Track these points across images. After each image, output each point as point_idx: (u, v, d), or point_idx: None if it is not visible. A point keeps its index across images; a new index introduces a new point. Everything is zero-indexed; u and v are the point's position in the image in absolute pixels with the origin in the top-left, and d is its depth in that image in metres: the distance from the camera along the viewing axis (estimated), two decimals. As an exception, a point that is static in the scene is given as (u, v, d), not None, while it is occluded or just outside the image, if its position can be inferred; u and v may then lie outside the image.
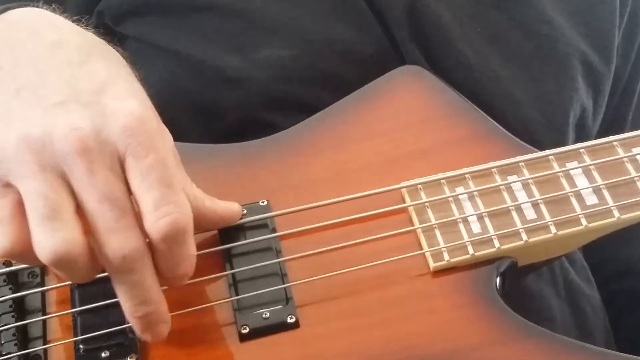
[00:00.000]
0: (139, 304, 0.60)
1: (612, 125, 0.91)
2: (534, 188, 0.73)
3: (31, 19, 0.66)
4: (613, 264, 0.96)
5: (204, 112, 0.81)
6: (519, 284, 0.80)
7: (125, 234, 0.57)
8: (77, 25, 0.66)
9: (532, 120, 0.83)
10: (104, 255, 0.58)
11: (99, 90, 0.60)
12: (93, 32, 0.66)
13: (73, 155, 0.57)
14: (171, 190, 0.59)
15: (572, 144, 0.76)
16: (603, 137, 0.76)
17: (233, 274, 0.69)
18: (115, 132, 0.58)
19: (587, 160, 0.74)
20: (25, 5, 0.67)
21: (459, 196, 0.72)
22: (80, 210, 0.58)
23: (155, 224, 0.58)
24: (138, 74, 0.65)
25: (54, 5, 0.69)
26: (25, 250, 0.58)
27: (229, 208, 0.70)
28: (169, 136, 0.63)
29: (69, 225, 0.57)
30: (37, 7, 0.67)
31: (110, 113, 0.59)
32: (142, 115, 0.59)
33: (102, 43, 0.66)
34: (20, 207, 0.58)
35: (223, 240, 0.71)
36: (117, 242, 0.57)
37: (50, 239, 0.56)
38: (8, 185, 0.59)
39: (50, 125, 0.58)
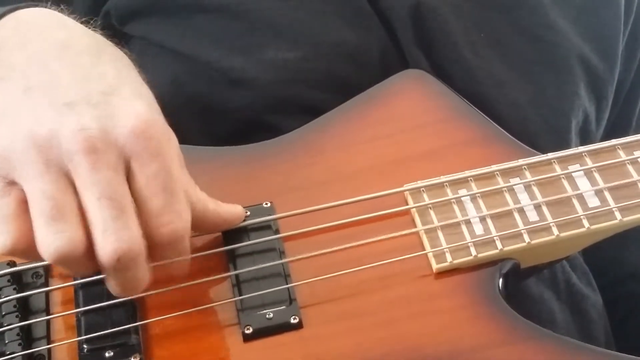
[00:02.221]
0: (128, 291, 0.62)
1: (616, 130, 0.92)
2: (536, 190, 0.73)
3: (42, 19, 0.66)
4: (618, 267, 0.96)
5: (208, 113, 0.81)
6: (520, 287, 0.80)
7: (121, 234, 0.58)
8: (86, 26, 0.67)
9: (534, 126, 0.83)
10: (98, 253, 0.58)
11: (108, 92, 0.60)
12: (101, 34, 0.67)
13: (79, 154, 0.57)
14: (174, 199, 0.59)
15: (575, 148, 0.76)
16: (606, 141, 0.77)
17: (237, 275, 0.69)
18: (123, 135, 0.59)
19: (589, 163, 0.74)
20: (35, 5, 0.68)
21: (462, 198, 0.73)
22: (82, 208, 0.58)
23: (156, 230, 0.59)
24: (145, 76, 0.66)
25: (62, 6, 0.69)
26: (27, 248, 0.59)
27: (232, 210, 0.70)
28: (174, 138, 0.63)
29: (73, 225, 0.57)
30: (45, 7, 0.68)
31: (118, 115, 0.59)
32: (150, 119, 0.60)
33: (111, 45, 0.66)
34: (23, 205, 0.59)
35: (227, 242, 0.71)
36: (112, 242, 0.57)
37: (55, 240, 0.57)
38: (12, 183, 0.59)
39: (58, 125, 0.58)
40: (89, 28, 0.67)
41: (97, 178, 0.57)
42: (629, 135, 0.78)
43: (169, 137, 0.62)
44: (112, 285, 0.61)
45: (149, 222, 0.59)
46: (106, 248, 0.58)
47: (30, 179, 0.58)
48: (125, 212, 0.58)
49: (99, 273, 0.61)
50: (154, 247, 0.60)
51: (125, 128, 0.59)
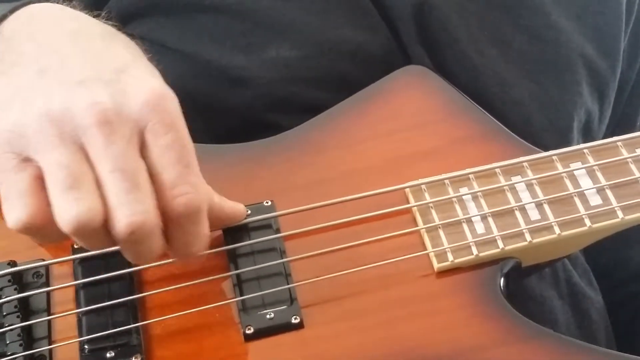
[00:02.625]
0: (142, 261, 0.62)
1: (619, 128, 0.91)
2: (537, 188, 0.73)
3: (53, 12, 0.67)
4: (622, 269, 0.96)
5: (209, 112, 0.81)
6: (521, 286, 0.80)
7: (134, 207, 0.57)
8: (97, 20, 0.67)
9: (536, 124, 0.83)
10: (112, 227, 0.58)
11: (121, 70, 0.61)
12: (112, 25, 0.67)
13: (93, 127, 0.57)
14: (188, 170, 0.59)
15: (577, 146, 0.76)
16: (609, 139, 0.76)
17: (238, 275, 0.69)
18: (136, 108, 0.59)
19: (591, 161, 0.74)
20: (46, 0, 0.68)
21: (463, 196, 0.73)
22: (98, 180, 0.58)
23: (172, 202, 0.59)
24: (157, 65, 0.66)
25: (73, 2, 0.69)
26: (43, 223, 0.58)
27: (235, 207, 0.70)
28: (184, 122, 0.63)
29: (91, 194, 0.57)
30: (57, 2, 0.68)
31: (131, 89, 0.59)
32: (164, 93, 0.60)
33: (122, 34, 0.66)
34: (38, 181, 0.59)
35: (227, 241, 0.71)
36: (126, 215, 0.57)
37: (73, 208, 0.57)
38: (27, 159, 0.59)
39: (71, 100, 0.58)
40: (99, 20, 0.67)
41: (110, 151, 0.57)
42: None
43: (181, 114, 0.61)
44: (126, 255, 0.61)
45: (164, 194, 0.59)
46: (120, 222, 0.57)
47: (45, 152, 0.58)
48: (139, 185, 0.58)
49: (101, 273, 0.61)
50: (170, 220, 0.59)
51: (138, 101, 0.59)
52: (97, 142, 0.57)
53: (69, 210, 0.57)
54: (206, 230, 0.62)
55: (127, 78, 0.60)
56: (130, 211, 0.57)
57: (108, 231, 0.58)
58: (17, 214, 0.58)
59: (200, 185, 0.60)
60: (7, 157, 0.59)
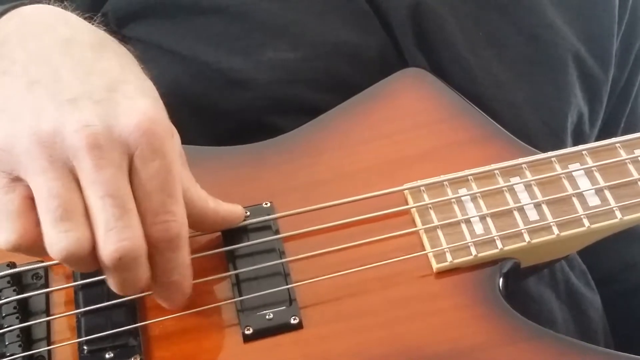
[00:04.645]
0: (128, 290, 0.62)
1: (606, 130, 0.92)
2: (536, 189, 0.73)
3: (45, 15, 0.66)
4: (620, 266, 0.96)
5: (207, 114, 0.81)
6: (520, 287, 0.80)
7: (123, 234, 0.58)
8: (90, 23, 0.67)
9: (532, 125, 0.83)
10: (101, 253, 0.58)
11: (112, 88, 0.60)
12: (105, 31, 0.67)
13: (83, 151, 0.57)
14: (171, 200, 0.60)
15: (571, 148, 0.76)
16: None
17: (236, 275, 0.69)
18: (126, 131, 0.59)
19: (589, 162, 0.74)
20: (39, 2, 0.68)
21: (462, 197, 0.73)
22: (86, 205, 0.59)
23: (152, 228, 0.59)
24: (148, 73, 0.66)
25: (65, 2, 0.69)
26: (31, 245, 0.59)
27: (232, 210, 0.70)
28: (177, 135, 0.64)
29: (80, 225, 0.58)
30: (49, 4, 0.68)
31: (122, 112, 0.59)
32: (154, 116, 0.60)
33: (115, 41, 0.66)
34: (29, 202, 0.59)
35: (226, 242, 0.71)
36: (114, 241, 0.58)
37: (63, 240, 0.57)
38: (17, 179, 0.59)
39: (62, 121, 0.58)
40: (93, 24, 0.67)
41: (101, 176, 0.57)
42: (618, 135, 0.78)
43: (172, 134, 0.62)
44: (112, 284, 0.62)
45: (146, 219, 0.59)
46: (108, 247, 0.58)
47: (35, 175, 0.58)
48: (128, 211, 0.58)
49: (101, 272, 0.62)
50: (151, 246, 0.60)
51: (129, 125, 0.59)
52: (87, 167, 0.58)
53: (59, 242, 0.58)
54: (187, 260, 0.63)
55: (118, 97, 0.60)
56: (118, 237, 0.58)
57: (96, 257, 0.59)
58: (6, 235, 0.59)
59: (181, 214, 0.61)
60: None
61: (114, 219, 0.58)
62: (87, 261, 0.59)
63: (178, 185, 0.61)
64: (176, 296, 0.64)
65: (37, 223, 0.59)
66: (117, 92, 0.60)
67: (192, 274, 0.64)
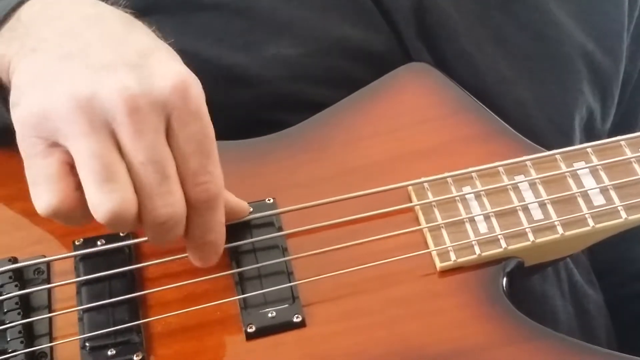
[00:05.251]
0: (162, 244, 0.63)
1: (622, 125, 0.91)
2: (540, 188, 0.72)
3: None
4: (625, 267, 0.96)
5: (209, 110, 0.80)
6: (523, 286, 0.80)
7: (166, 199, 0.59)
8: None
9: (537, 122, 0.83)
10: (144, 216, 0.59)
11: (145, 54, 0.61)
12: (130, 14, 0.67)
13: (122, 114, 0.58)
14: (210, 160, 0.61)
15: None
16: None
17: (239, 273, 0.69)
18: (164, 94, 0.59)
19: (594, 161, 0.74)
20: None
21: (466, 195, 0.72)
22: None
23: (193, 190, 0.60)
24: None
25: None
26: (72, 208, 0.59)
27: (239, 202, 0.70)
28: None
29: (124, 185, 0.58)
30: None
31: (158, 74, 0.59)
32: (189, 79, 0.60)
33: (140, 22, 0.66)
34: (67, 167, 0.59)
35: (229, 239, 0.70)
36: (158, 207, 0.59)
37: (109, 201, 0.57)
38: (55, 144, 0.59)
39: (99, 85, 0.58)
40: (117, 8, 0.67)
41: (141, 142, 0.58)
42: (634, 130, 0.77)
43: (204, 99, 0.62)
44: (150, 238, 0.62)
45: (186, 181, 0.60)
46: (153, 212, 0.59)
47: (76, 139, 0.58)
48: (169, 176, 0.59)
49: (106, 264, 0.64)
50: (190, 207, 0.61)
51: (166, 86, 0.59)
52: (128, 131, 0.58)
53: (105, 203, 0.57)
54: (222, 219, 0.63)
55: (152, 61, 0.60)
56: (162, 202, 0.59)
57: (139, 218, 0.59)
58: (46, 199, 0.59)
59: (219, 174, 0.62)
60: (33, 142, 0.59)
61: (156, 185, 0.58)
62: (131, 223, 0.59)
63: (214, 146, 0.61)
64: (210, 255, 0.65)
65: (77, 187, 0.59)
66: (150, 57, 0.61)
67: (225, 233, 0.65)
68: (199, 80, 0.62)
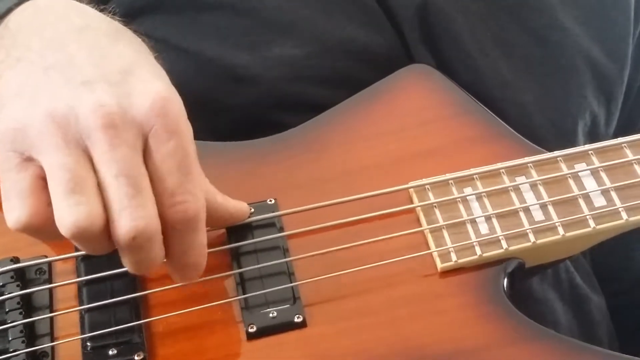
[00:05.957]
0: (142, 269, 0.61)
1: (625, 130, 0.91)
2: (542, 189, 0.73)
3: (60, 5, 0.66)
4: (627, 270, 0.96)
5: (212, 109, 0.80)
6: (524, 287, 0.80)
7: (137, 213, 0.57)
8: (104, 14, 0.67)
9: (540, 127, 0.83)
10: (114, 232, 0.58)
11: (126, 71, 0.60)
12: (119, 21, 0.67)
13: (97, 130, 0.57)
14: (188, 178, 0.59)
15: (582, 148, 0.76)
16: (614, 141, 0.76)
17: (240, 273, 0.69)
18: (141, 112, 0.58)
19: (596, 162, 0.74)
20: None
21: (467, 197, 0.72)
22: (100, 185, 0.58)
23: (170, 209, 0.59)
24: (162, 63, 0.65)
25: None
26: (42, 224, 0.58)
27: (238, 206, 0.70)
28: (188, 122, 0.63)
29: (92, 199, 0.57)
30: None
31: (136, 93, 0.59)
32: (168, 96, 0.60)
33: (129, 31, 0.66)
34: (40, 181, 0.58)
35: (231, 239, 0.71)
36: (128, 220, 0.57)
37: (74, 213, 0.56)
38: (30, 159, 0.59)
39: (77, 102, 0.58)
40: (107, 15, 0.67)
41: (115, 155, 0.57)
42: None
43: (186, 118, 0.61)
44: (126, 263, 0.61)
45: (163, 201, 0.59)
46: (122, 227, 0.57)
47: (48, 153, 0.57)
48: (142, 191, 0.58)
49: (107, 264, 0.62)
50: (168, 227, 0.60)
51: (143, 105, 0.58)
52: (102, 146, 0.57)
53: (69, 215, 0.56)
54: (204, 240, 0.62)
55: (133, 80, 0.60)
56: (132, 216, 0.57)
57: (108, 236, 0.58)
58: (17, 214, 0.58)
59: (199, 194, 0.60)
60: (10, 156, 0.59)
61: (128, 198, 0.57)
62: (99, 239, 0.58)
63: (195, 164, 0.60)
64: (191, 275, 0.64)
65: (48, 203, 0.58)
66: (131, 75, 0.60)
67: (206, 254, 0.63)
68: (179, 99, 0.61)
